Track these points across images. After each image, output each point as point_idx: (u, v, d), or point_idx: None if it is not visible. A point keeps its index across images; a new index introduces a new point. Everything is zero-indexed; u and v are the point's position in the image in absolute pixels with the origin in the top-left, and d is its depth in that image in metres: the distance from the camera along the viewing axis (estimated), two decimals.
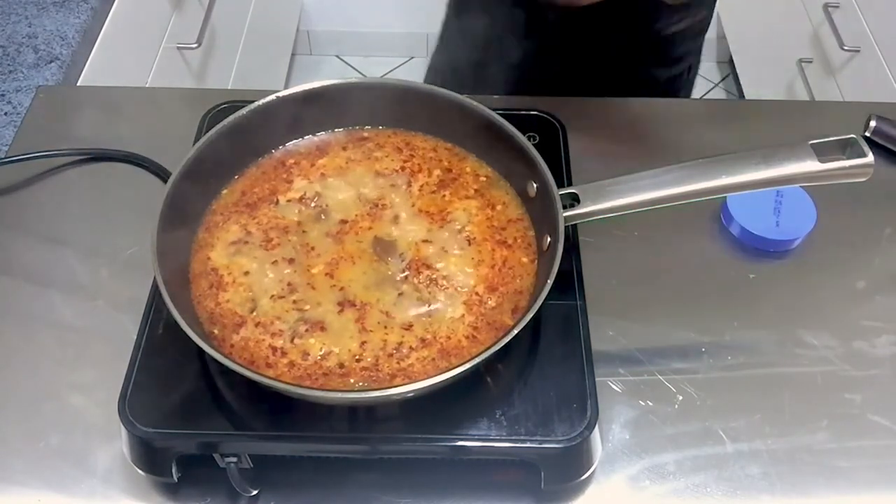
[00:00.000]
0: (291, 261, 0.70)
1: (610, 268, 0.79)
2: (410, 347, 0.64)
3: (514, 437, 0.62)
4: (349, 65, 2.56)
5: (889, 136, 0.90)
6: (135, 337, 0.66)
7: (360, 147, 0.78)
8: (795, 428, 0.70)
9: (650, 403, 0.71)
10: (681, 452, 0.69)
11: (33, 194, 0.86)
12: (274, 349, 0.64)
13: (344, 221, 0.72)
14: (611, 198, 0.67)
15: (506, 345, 0.59)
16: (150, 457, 0.63)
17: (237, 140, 0.73)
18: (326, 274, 0.69)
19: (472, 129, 0.75)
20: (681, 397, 0.72)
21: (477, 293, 0.68)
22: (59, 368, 0.73)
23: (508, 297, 0.68)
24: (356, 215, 0.73)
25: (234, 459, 0.62)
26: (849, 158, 0.64)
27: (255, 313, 0.66)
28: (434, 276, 0.68)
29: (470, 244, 0.71)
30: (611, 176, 0.68)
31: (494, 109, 0.73)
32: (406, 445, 0.63)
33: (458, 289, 0.68)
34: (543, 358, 0.67)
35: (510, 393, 0.65)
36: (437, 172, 0.76)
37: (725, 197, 0.83)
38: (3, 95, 0.98)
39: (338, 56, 2.58)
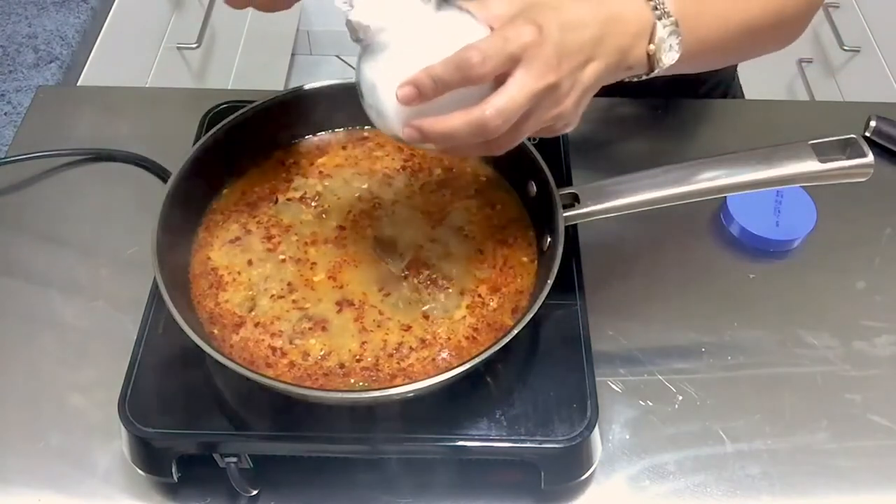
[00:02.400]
0: (291, 260, 0.69)
1: (610, 268, 0.79)
2: (410, 348, 0.64)
3: (514, 437, 0.62)
4: (349, 65, 2.56)
5: (889, 136, 0.90)
6: (135, 337, 0.66)
7: (360, 146, 0.78)
8: (795, 428, 0.70)
9: (650, 403, 0.71)
10: (681, 452, 0.69)
11: (33, 194, 0.86)
12: (273, 349, 0.64)
13: (344, 221, 0.72)
14: (611, 198, 0.67)
15: (506, 345, 0.59)
16: (150, 457, 0.63)
17: (237, 140, 0.73)
18: (326, 274, 0.69)
19: None
20: (681, 397, 0.72)
21: (477, 293, 0.68)
22: (59, 368, 0.73)
23: (509, 297, 0.68)
24: (356, 215, 0.73)
25: (234, 459, 0.62)
26: (849, 158, 0.64)
27: (253, 313, 0.66)
28: (434, 276, 0.68)
29: (470, 244, 0.71)
30: (611, 176, 0.68)
31: None
32: (406, 445, 0.63)
33: (458, 288, 0.68)
34: (543, 358, 0.67)
35: (510, 393, 0.65)
36: (437, 172, 0.76)
37: (725, 197, 0.83)
38: (3, 95, 0.98)
39: (338, 56, 2.58)
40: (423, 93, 0.52)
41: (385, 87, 0.55)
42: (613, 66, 0.57)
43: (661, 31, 0.59)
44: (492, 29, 0.55)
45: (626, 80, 0.62)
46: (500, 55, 0.52)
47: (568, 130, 0.58)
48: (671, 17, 0.59)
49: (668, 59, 0.60)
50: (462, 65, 0.51)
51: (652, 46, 0.59)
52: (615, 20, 0.57)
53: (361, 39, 0.55)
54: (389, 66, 0.55)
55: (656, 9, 0.59)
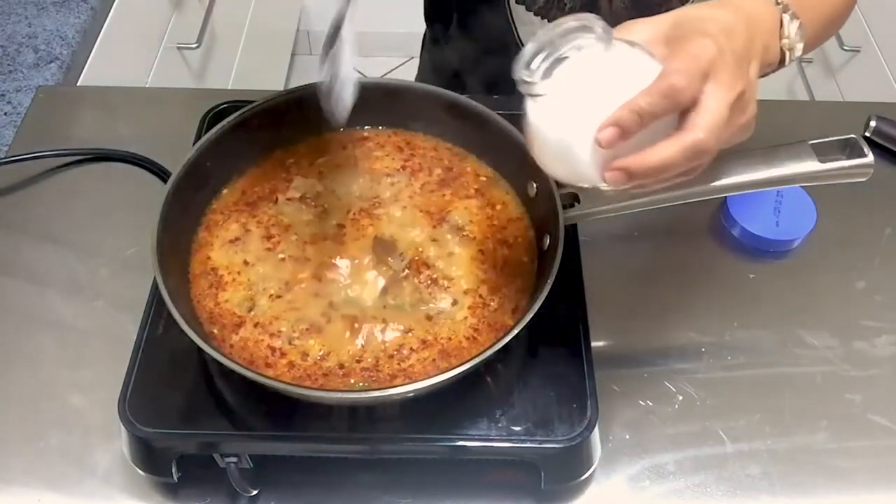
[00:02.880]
0: (291, 260, 0.69)
1: (610, 268, 0.79)
2: (411, 348, 0.64)
3: (514, 437, 0.62)
4: None
5: (889, 136, 0.90)
6: (135, 337, 0.66)
7: (360, 146, 0.78)
8: (795, 428, 0.70)
9: (650, 403, 0.71)
10: (681, 452, 0.69)
11: (33, 194, 0.86)
12: (273, 349, 0.64)
13: (344, 221, 0.72)
14: (611, 198, 0.67)
15: (506, 345, 0.59)
16: (150, 457, 0.63)
17: (237, 140, 0.73)
18: (326, 273, 0.69)
19: (472, 128, 0.75)
20: (681, 397, 0.72)
21: (478, 293, 0.68)
22: (59, 368, 0.73)
23: (509, 297, 0.68)
24: (356, 214, 0.73)
25: (234, 459, 0.62)
26: (849, 158, 0.64)
27: (252, 313, 0.66)
28: (434, 276, 0.68)
29: (470, 244, 0.71)
30: None
31: (495, 109, 0.73)
32: (406, 445, 0.63)
33: (459, 288, 0.68)
34: (543, 358, 0.67)
35: (510, 393, 0.65)
36: (437, 172, 0.76)
37: (725, 197, 0.83)
38: (3, 95, 0.98)
39: None
40: (627, 130, 0.51)
41: (578, 137, 0.52)
42: (762, 65, 0.58)
43: (790, 24, 0.60)
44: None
45: None
46: (697, 74, 0.51)
47: (745, 138, 0.57)
48: (790, 8, 0.60)
49: (798, 50, 0.61)
50: (670, 91, 0.50)
51: (786, 40, 0.60)
52: (755, 20, 0.57)
53: (535, 92, 0.53)
54: (573, 112, 0.52)
55: (778, 3, 0.60)
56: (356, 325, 0.65)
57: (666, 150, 0.51)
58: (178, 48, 1.47)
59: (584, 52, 0.52)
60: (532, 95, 0.54)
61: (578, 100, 0.52)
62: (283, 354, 0.64)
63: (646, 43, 0.54)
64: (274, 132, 0.76)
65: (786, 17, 0.60)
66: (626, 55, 0.53)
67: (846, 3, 0.72)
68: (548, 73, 0.53)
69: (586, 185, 0.55)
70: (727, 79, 0.52)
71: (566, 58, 0.53)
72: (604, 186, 0.54)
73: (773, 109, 1.03)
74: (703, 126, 0.51)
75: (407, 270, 0.69)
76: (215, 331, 0.65)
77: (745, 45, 0.55)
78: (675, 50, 0.53)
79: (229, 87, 1.73)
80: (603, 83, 0.52)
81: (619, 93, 0.51)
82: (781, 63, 0.62)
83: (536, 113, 0.54)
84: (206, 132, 0.72)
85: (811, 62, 1.80)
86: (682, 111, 0.52)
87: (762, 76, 0.61)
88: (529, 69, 0.53)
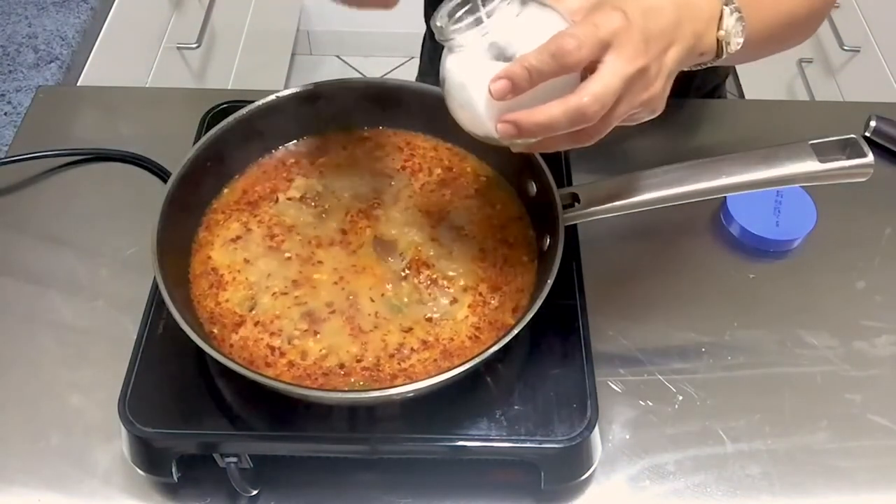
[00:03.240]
0: (291, 259, 0.69)
1: (610, 268, 0.79)
2: (412, 349, 0.64)
3: (514, 437, 0.62)
4: (349, 65, 2.56)
5: (889, 136, 0.90)
6: (135, 337, 0.66)
7: (360, 146, 0.78)
8: (795, 428, 0.70)
9: (650, 403, 0.71)
10: (681, 452, 0.69)
11: (33, 194, 0.86)
12: (272, 349, 0.64)
13: (344, 221, 0.72)
14: (611, 198, 0.67)
15: (506, 345, 0.59)
16: (150, 457, 0.63)
17: (237, 140, 0.73)
18: (325, 273, 0.69)
19: None
20: (681, 397, 0.72)
21: (478, 291, 0.68)
22: (59, 368, 0.73)
23: (509, 296, 0.68)
24: (356, 214, 0.73)
25: (234, 459, 0.62)
26: (849, 158, 0.64)
27: (254, 312, 0.66)
28: (434, 276, 0.68)
29: (470, 243, 0.71)
30: (611, 176, 0.68)
31: None
32: (406, 445, 0.63)
33: (459, 288, 0.68)
34: (543, 358, 0.67)
35: (510, 393, 0.65)
36: (437, 172, 0.76)
37: (725, 197, 0.83)
38: (3, 95, 0.98)
39: (338, 56, 2.58)
40: (518, 85, 0.52)
41: (476, 84, 0.55)
42: (689, 51, 0.58)
43: (729, 17, 0.60)
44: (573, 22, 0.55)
45: (692, 67, 0.62)
46: (592, 41, 0.52)
47: (653, 117, 0.58)
48: (735, 3, 0.61)
49: (735, 44, 0.61)
50: (557, 52, 0.52)
51: (722, 32, 0.61)
52: (689, 6, 0.58)
53: (449, 39, 0.56)
54: (479, 63, 0.55)
55: None
56: (356, 324, 0.65)
57: (551, 110, 0.53)
58: (178, 48, 1.48)
59: (500, 11, 0.55)
60: (445, 44, 0.57)
61: (482, 52, 0.55)
62: (282, 354, 0.64)
63: (571, 11, 0.56)
64: (274, 132, 0.77)
65: (726, 10, 0.60)
66: (537, 17, 0.56)
67: (811, 7, 0.71)
68: (466, 27, 0.55)
69: (484, 135, 0.58)
70: (628, 52, 0.53)
71: (485, 14, 0.55)
72: (499, 138, 0.56)
73: (773, 109, 1.04)
74: (590, 92, 0.52)
75: (407, 270, 0.69)
76: (215, 330, 0.65)
77: (668, 28, 0.56)
78: (585, 18, 0.54)
79: (229, 87, 1.73)
80: (506, 39, 0.55)
81: (519, 49, 0.53)
82: (719, 55, 0.62)
83: (449, 61, 0.57)
84: (206, 132, 0.72)
85: (811, 62, 1.80)
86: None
87: (698, 65, 0.62)
88: (449, 19, 0.56)
